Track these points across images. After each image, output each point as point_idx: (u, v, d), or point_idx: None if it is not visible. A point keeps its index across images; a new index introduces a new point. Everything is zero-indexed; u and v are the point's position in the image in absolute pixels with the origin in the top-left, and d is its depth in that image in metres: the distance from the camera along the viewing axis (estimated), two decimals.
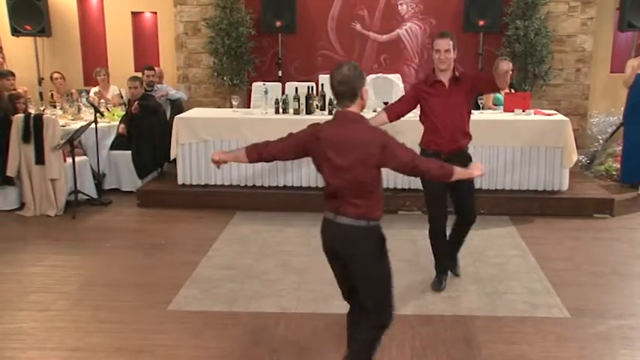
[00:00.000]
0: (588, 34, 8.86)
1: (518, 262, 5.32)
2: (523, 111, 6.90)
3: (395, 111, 4.71)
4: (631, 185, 7.52)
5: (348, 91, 3.06)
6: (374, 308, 3.24)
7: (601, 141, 8.59)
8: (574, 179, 7.00)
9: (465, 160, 4.26)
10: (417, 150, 4.31)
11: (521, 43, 8.48)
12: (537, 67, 8.60)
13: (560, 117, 6.93)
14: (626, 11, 8.31)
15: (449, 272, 4.89)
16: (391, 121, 4.66)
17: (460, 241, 4.91)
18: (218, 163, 3.48)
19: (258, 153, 3.36)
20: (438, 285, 4.74)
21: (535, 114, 6.93)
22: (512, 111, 6.94)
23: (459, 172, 3.27)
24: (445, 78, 4.53)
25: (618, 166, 7.89)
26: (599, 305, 4.51)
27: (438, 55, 4.47)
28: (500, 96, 7.41)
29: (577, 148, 6.89)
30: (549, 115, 6.98)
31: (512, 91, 7.77)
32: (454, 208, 4.74)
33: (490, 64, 8.36)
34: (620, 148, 7.98)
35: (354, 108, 3.11)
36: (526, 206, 6.62)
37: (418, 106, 4.69)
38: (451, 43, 4.47)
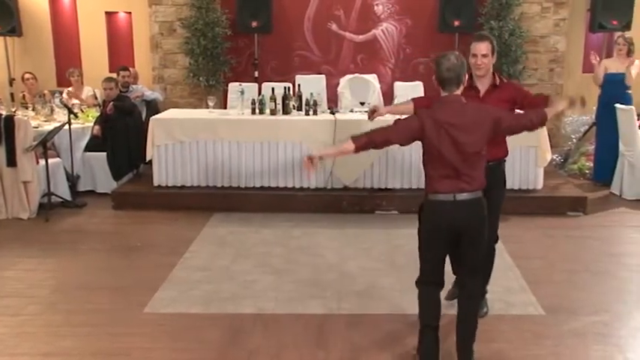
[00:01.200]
0: (561, 34, 8.98)
1: (495, 260, 5.35)
2: None
3: (422, 104, 4.37)
4: (603, 184, 7.63)
5: (455, 77, 3.38)
6: (478, 269, 3.62)
7: (574, 140, 8.71)
8: (548, 178, 7.08)
9: (497, 176, 4.09)
10: None
11: (496, 44, 8.54)
12: (512, 67, 8.68)
13: None
14: (597, 13, 8.43)
15: None
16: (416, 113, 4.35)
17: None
18: (312, 161, 3.51)
19: (369, 137, 3.47)
20: None
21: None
22: None
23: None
24: (482, 85, 4.11)
25: (591, 164, 8.01)
26: (573, 302, 4.56)
27: (475, 60, 4.05)
28: None
29: (551, 147, 6.97)
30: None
31: None
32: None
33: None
34: (593, 147, 8.11)
35: (458, 92, 3.43)
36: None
37: None
38: (490, 46, 4.10)
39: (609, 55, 8.79)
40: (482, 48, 4.07)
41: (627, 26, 8.39)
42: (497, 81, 4.12)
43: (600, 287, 4.86)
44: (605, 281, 4.98)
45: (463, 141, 3.34)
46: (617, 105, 7.39)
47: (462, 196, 3.39)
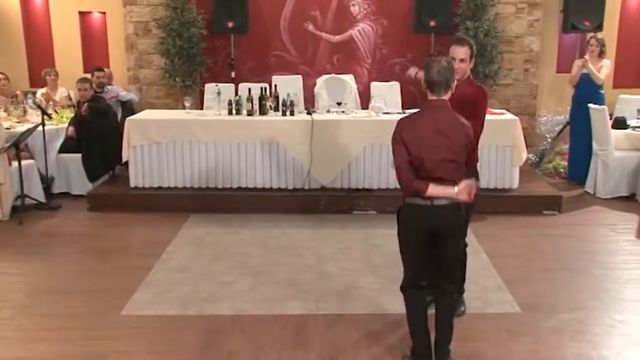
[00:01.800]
0: (535, 35, 9.07)
1: (471, 259, 5.33)
2: None
3: None
4: (578, 182, 7.73)
5: (444, 81, 3.41)
6: (454, 273, 3.67)
7: (549, 139, 8.81)
8: (524, 177, 7.15)
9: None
10: None
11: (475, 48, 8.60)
12: (487, 68, 8.74)
13: (510, 116, 7.06)
14: (570, 14, 8.53)
15: None
16: None
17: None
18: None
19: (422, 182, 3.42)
20: None
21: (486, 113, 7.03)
22: None
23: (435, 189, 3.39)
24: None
25: (565, 163, 8.10)
26: (550, 300, 4.61)
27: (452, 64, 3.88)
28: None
29: (526, 146, 7.05)
30: (500, 114, 7.12)
31: None
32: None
33: None
34: (567, 146, 8.21)
35: (446, 97, 3.46)
36: (478, 204, 6.69)
37: None
38: (469, 52, 4.08)
39: (582, 56, 8.92)
40: (461, 52, 4.04)
41: (599, 27, 8.51)
42: (472, 86, 4.10)
43: (576, 285, 4.92)
44: (581, 279, 5.04)
45: (443, 146, 3.37)
46: (591, 105, 7.49)
47: (440, 201, 3.40)
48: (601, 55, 7.59)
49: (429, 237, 3.48)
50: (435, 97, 3.45)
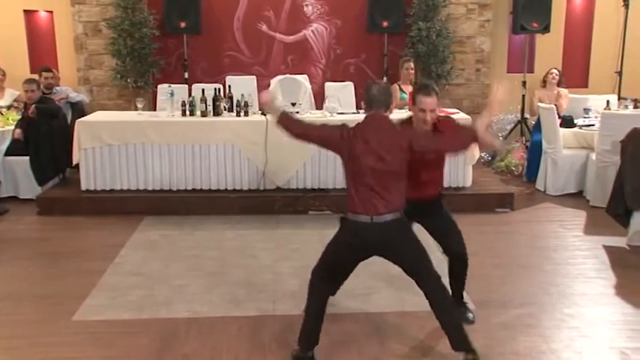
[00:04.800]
0: (486, 35, 9.24)
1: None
2: None
3: None
4: (529, 180, 7.93)
5: (383, 99, 3.56)
6: (431, 274, 3.66)
7: (501, 138, 8.98)
8: (477, 176, 7.28)
9: (434, 210, 4.15)
10: None
11: (424, 44, 8.73)
12: (440, 67, 8.88)
13: (462, 115, 7.17)
14: (519, 15, 8.73)
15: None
16: None
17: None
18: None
19: (296, 123, 3.69)
20: None
21: (439, 113, 7.13)
22: None
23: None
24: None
25: (517, 162, 8.28)
26: (502, 296, 4.70)
27: (424, 116, 3.86)
28: (406, 95, 7.59)
29: None
30: (452, 114, 7.20)
31: None
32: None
33: (395, 65, 8.60)
34: (519, 144, 8.43)
35: (386, 114, 3.58)
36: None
37: None
38: (436, 99, 3.91)
39: (531, 56, 9.17)
40: (431, 103, 3.88)
41: (546, 28, 8.74)
42: (439, 123, 4.02)
43: (528, 280, 5.02)
44: (533, 274, 5.15)
45: (382, 159, 3.45)
46: (540, 104, 7.68)
47: (380, 219, 3.47)
48: (559, 84, 8.23)
49: (364, 254, 3.64)
50: (373, 112, 3.58)
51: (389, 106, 3.60)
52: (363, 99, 3.65)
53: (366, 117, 3.61)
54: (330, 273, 3.76)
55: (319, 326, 3.69)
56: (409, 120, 4.03)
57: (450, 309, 3.69)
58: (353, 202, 3.52)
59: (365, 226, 3.48)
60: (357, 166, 3.49)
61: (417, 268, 3.64)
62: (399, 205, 3.54)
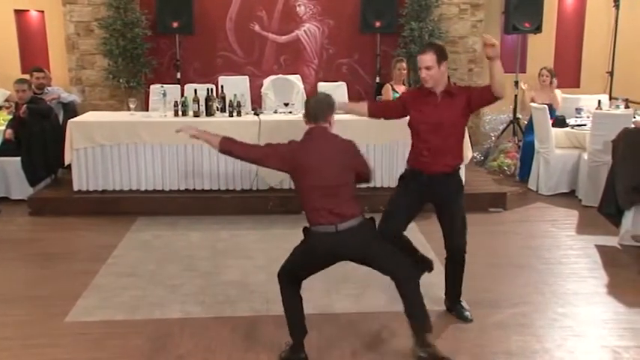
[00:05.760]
0: (478, 35, 9.26)
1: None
2: None
3: (378, 107, 4.42)
4: (521, 180, 7.95)
5: (320, 113, 3.62)
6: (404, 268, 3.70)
7: (493, 138, 9.01)
8: (470, 175, 7.28)
9: (454, 185, 4.11)
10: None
11: (416, 44, 8.73)
12: None
13: None
14: (511, 15, 8.77)
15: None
16: (370, 115, 4.29)
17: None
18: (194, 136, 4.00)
19: (238, 147, 3.81)
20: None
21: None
22: None
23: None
24: (439, 91, 4.01)
25: (510, 161, 8.31)
26: (495, 295, 4.71)
27: (420, 73, 3.94)
28: (398, 95, 7.59)
29: (472, 145, 7.18)
30: None
31: None
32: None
33: (388, 65, 8.61)
34: (511, 144, 8.46)
35: (325, 125, 3.64)
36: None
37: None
38: (434, 57, 3.89)
39: (523, 56, 9.21)
40: (425, 60, 3.89)
41: (538, 29, 8.78)
42: (453, 88, 4.06)
43: (521, 280, 5.04)
44: (525, 274, 5.16)
45: (324, 172, 3.52)
46: (532, 104, 7.71)
47: (344, 225, 3.52)
48: (551, 84, 8.10)
49: (330, 261, 3.68)
50: (313, 125, 3.65)
51: (327, 119, 3.63)
52: (304, 112, 3.71)
53: (306, 132, 3.67)
54: (295, 278, 3.77)
55: (302, 314, 3.72)
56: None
57: (416, 304, 3.73)
58: (309, 215, 3.61)
59: (328, 237, 3.54)
60: (307, 181, 3.56)
61: (388, 265, 3.66)
62: (355, 212, 3.58)
